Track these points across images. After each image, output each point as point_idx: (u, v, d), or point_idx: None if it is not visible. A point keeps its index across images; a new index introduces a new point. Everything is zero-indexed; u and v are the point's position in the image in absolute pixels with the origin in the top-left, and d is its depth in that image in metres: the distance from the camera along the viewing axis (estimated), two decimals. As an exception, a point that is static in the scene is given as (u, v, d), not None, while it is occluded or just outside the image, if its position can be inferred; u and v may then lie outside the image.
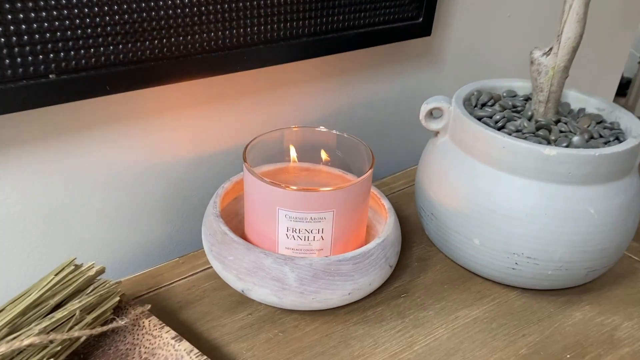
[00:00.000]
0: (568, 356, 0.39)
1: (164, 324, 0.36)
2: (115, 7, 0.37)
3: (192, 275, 0.44)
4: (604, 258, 0.41)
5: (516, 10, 0.67)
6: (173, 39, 0.41)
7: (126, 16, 0.38)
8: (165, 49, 0.40)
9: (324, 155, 0.46)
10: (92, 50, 0.37)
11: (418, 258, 0.48)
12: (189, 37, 0.41)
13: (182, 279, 0.44)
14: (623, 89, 3.25)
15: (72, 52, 0.36)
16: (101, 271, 0.35)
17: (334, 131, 0.45)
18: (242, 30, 0.44)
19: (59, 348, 0.31)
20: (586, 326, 0.42)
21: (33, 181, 0.41)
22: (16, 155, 0.40)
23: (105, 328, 0.34)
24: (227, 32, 0.43)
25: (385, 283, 0.43)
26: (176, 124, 0.47)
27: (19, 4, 0.33)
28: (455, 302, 0.43)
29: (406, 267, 0.47)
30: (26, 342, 0.29)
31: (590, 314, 0.43)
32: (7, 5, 0.33)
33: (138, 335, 0.36)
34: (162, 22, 0.39)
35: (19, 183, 0.40)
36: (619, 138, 0.42)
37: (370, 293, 0.41)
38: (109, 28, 0.37)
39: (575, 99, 0.48)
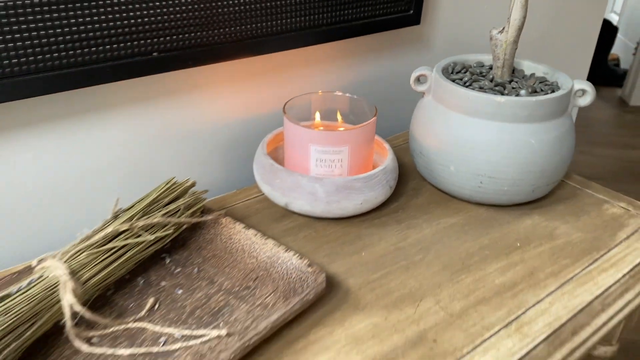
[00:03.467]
0: (518, 244, 0.55)
1: (236, 220, 0.52)
2: (196, 5, 0.54)
3: (246, 200, 0.61)
4: (545, 177, 0.57)
5: (491, 1, 0.83)
6: (230, 29, 0.57)
7: (202, 12, 0.55)
8: (226, 36, 0.57)
9: (339, 117, 0.62)
10: (179, 36, 0.54)
11: (412, 188, 0.64)
12: (241, 27, 0.58)
13: (240, 202, 0.60)
14: (620, 81, 3.38)
15: (168, 38, 0.53)
16: (193, 184, 0.52)
17: (347, 94, 0.61)
18: (276, 22, 0.60)
19: (172, 230, 0.48)
20: (534, 228, 0.58)
21: (135, 135, 0.58)
22: (122, 114, 0.56)
23: (199, 219, 0.50)
24: (266, 23, 0.60)
25: (387, 202, 0.60)
26: (233, 94, 0.63)
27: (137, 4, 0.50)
28: (439, 215, 0.59)
29: (403, 193, 0.63)
30: (155, 220, 0.46)
31: (538, 221, 0.59)
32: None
33: (218, 228, 0.52)
34: (224, 16, 0.56)
35: (118, 138, 0.57)
36: (554, 91, 0.58)
37: (376, 206, 0.58)
38: (191, 21, 0.54)
39: (528, 67, 0.64)
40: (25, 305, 0.38)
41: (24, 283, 0.40)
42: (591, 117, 3.08)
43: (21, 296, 0.39)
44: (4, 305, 0.38)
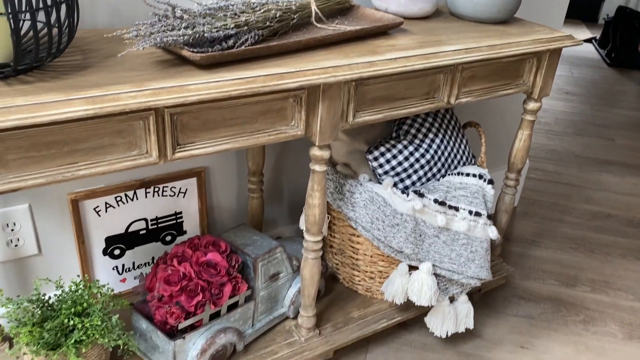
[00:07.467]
0: (487, 33, 1.25)
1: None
2: None
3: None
4: (502, 6, 1.27)
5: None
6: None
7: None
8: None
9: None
10: None
11: (444, 14, 1.35)
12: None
13: (364, 11, 1.33)
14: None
15: None
16: (350, -10, 1.25)
17: None
18: None
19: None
20: (498, 29, 1.27)
21: None
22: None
23: (351, 3, 1.23)
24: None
25: (430, 16, 1.31)
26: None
27: None
28: (455, 21, 1.30)
29: (440, 15, 1.34)
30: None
31: (501, 27, 1.28)
32: None
33: (355, 9, 1.25)
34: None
35: None
36: (512, -32, 1.28)
37: (427, 15, 1.29)
38: None
39: None
40: (300, 5, 1.12)
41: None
42: (618, 89, 3.67)
43: (297, 6, 1.12)
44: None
